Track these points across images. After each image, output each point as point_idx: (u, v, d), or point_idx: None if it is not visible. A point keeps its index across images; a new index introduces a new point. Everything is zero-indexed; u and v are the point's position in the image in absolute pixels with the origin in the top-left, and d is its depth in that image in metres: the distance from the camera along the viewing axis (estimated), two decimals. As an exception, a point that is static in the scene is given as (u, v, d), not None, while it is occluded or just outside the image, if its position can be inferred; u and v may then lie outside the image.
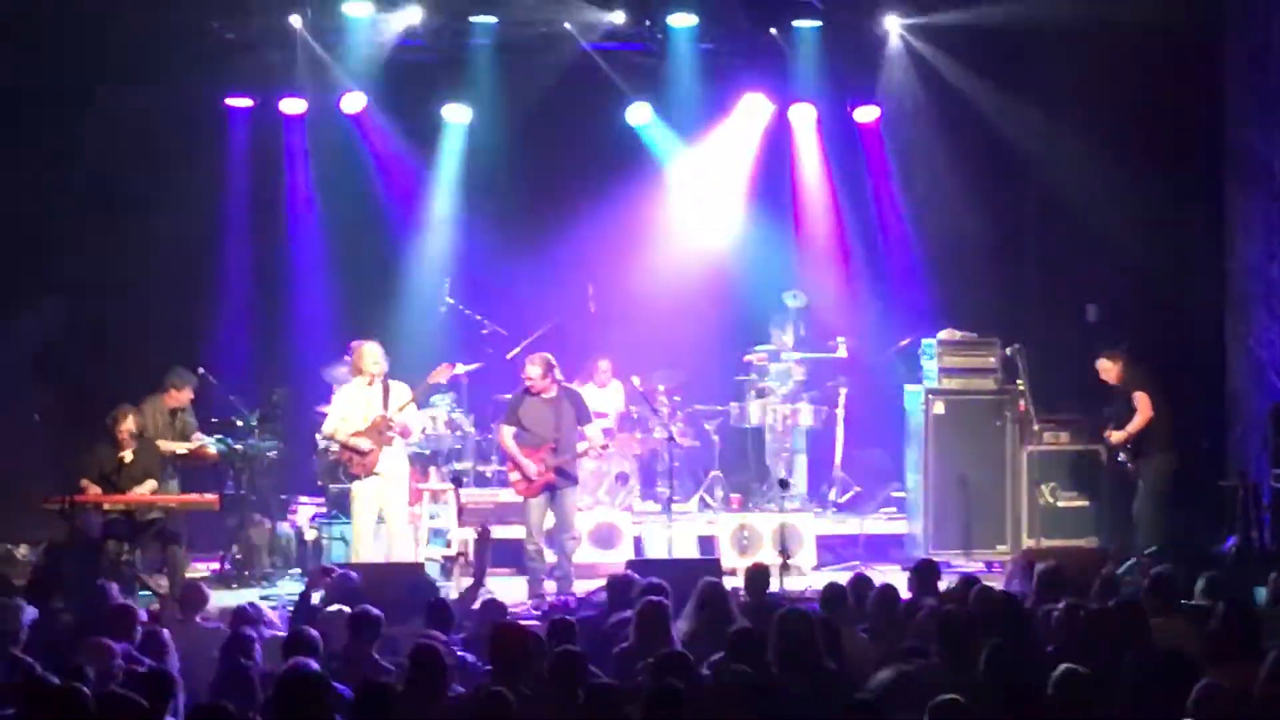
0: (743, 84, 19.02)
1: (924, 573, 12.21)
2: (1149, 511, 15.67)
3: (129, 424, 15.12)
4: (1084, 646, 9.55)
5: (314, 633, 9.94)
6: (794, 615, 9.58)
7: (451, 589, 14.22)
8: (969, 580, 11.58)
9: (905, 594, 11.76)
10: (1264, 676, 8.32)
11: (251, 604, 11.64)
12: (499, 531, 15.88)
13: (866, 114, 19.07)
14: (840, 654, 9.70)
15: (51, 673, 8.70)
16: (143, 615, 11.26)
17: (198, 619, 11.79)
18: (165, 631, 10.51)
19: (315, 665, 8.87)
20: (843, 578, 12.14)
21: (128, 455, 15.09)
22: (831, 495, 18.19)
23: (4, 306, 17.16)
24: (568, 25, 18.12)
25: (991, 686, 8.46)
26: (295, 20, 17.81)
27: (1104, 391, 16.21)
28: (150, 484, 15.16)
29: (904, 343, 17.64)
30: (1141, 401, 15.78)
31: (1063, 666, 8.36)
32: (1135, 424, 15.79)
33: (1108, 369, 16.02)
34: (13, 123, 16.97)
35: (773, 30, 18.52)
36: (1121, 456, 15.98)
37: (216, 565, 16.03)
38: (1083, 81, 17.26)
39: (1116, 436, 15.93)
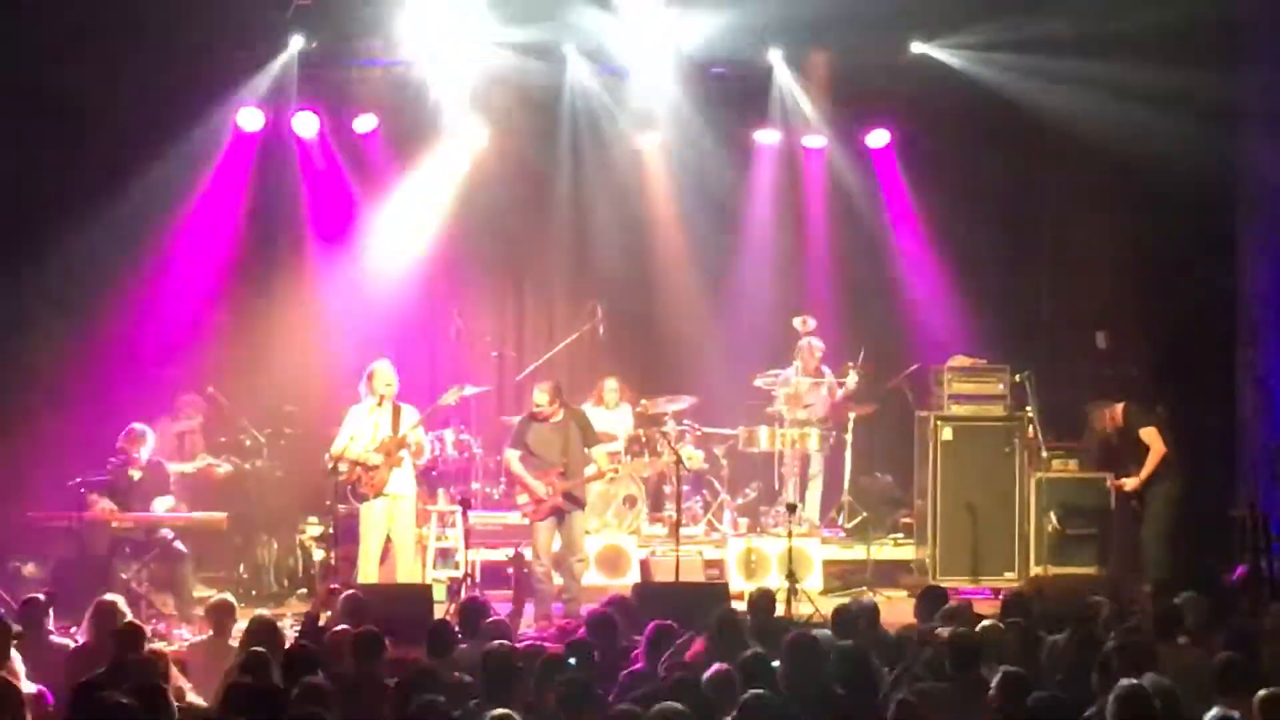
0: (753, 107, 18.98)
1: (930, 599, 12.20)
2: (1154, 541, 15.61)
3: (142, 443, 15.18)
4: (1089, 675, 9.54)
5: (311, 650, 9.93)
6: (803, 640, 9.59)
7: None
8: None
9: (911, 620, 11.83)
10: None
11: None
12: (507, 553, 15.91)
13: (878, 139, 19.04)
14: (863, 679, 9.71)
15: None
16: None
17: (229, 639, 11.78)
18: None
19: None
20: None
21: (136, 474, 15.15)
22: (839, 520, 18.18)
23: (8, 323, 17.13)
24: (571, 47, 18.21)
25: (1002, 711, 8.44)
26: (297, 42, 17.82)
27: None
28: (169, 500, 15.24)
29: (911, 369, 17.62)
30: (1152, 438, 15.66)
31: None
32: (1150, 464, 15.65)
33: (1110, 419, 15.93)
34: (20, 132, 16.88)
35: (781, 56, 18.52)
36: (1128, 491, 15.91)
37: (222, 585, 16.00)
38: (1096, 103, 17.18)
39: (1130, 484, 15.79)
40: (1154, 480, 15.68)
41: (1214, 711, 8.05)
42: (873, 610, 11.78)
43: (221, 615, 11.96)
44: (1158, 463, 15.63)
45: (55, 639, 11.56)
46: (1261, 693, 8.22)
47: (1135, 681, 8.47)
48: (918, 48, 18.20)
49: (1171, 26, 16.28)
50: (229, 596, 12.48)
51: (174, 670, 10.53)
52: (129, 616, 11.36)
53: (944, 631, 10.49)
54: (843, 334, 18.68)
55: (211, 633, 11.95)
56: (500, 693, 9.10)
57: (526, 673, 9.53)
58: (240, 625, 11.76)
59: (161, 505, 15.22)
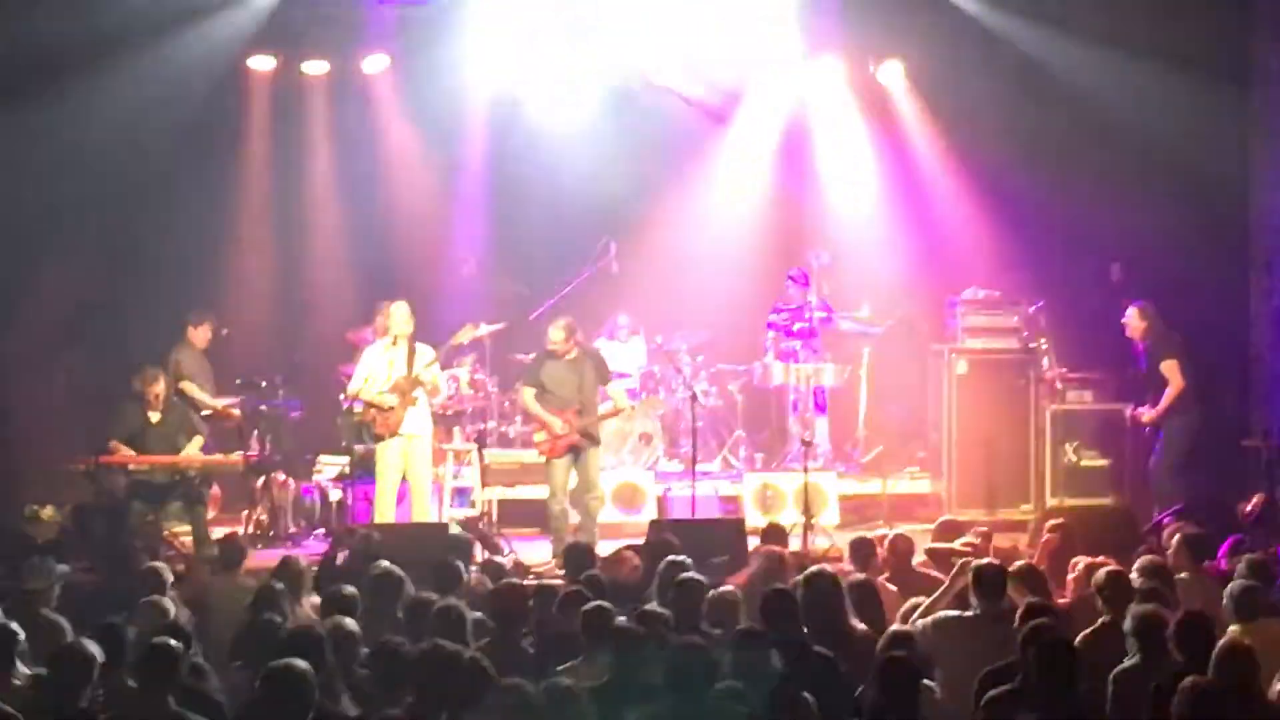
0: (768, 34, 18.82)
1: (946, 532, 12.25)
2: (1166, 471, 15.60)
3: (157, 386, 15.18)
4: (1109, 606, 9.57)
5: (351, 590, 9.98)
6: (820, 576, 9.63)
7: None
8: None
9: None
10: None
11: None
12: (523, 491, 15.99)
13: (892, 69, 18.89)
14: (874, 612, 9.78)
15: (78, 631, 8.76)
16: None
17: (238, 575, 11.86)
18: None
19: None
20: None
21: (155, 416, 15.15)
22: (855, 455, 18.18)
23: (31, 269, 17.17)
24: None
25: (1026, 638, 8.44)
26: None
27: (1128, 352, 16.14)
28: (198, 440, 15.26)
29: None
30: (1172, 371, 15.58)
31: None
32: (1168, 397, 15.59)
33: (1134, 323, 15.85)
34: (38, 82, 16.82)
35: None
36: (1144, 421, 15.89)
37: (240, 526, 16.02)
38: (1113, 28, 17.10)
39: (1148, 417, 15.76)
40: (1171, 413, 15.65)
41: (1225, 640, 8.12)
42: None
43: (230, 551, 12.06)
44: (1175, 396, 15.60)
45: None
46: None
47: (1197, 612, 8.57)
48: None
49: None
50: (237, 532, 12.59)
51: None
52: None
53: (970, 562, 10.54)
54: (857, 267, 18.66)
55: (223, 569, 12.02)
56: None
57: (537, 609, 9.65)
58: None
59: (194, 446, 15.26)
